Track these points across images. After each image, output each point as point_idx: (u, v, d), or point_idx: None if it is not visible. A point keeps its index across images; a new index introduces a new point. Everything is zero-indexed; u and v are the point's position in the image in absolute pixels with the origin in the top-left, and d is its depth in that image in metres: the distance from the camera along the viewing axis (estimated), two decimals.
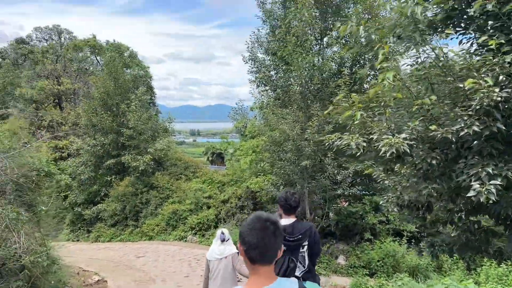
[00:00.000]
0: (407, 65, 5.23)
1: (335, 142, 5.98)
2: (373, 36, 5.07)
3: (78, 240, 18.48)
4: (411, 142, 4.62)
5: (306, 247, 3.58)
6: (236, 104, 17.17)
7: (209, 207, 15.44)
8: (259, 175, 14.82)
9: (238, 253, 4.99)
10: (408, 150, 4.51)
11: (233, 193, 15.64)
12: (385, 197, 6.90)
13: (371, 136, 4.93)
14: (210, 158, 49.66)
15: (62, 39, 27.16)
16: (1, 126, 22.07)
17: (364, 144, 4.92)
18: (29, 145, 7.38)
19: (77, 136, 19.84)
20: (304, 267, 3.60)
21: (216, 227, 14.74)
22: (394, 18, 4.87)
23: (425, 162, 4.77)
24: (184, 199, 16.13)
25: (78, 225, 19.23)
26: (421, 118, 4.82)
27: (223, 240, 5.02)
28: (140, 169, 17.15)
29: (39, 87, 21.28)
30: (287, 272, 3.45)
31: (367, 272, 11.41)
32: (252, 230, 1.82)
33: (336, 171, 12.28)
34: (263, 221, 1.84)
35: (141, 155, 17.64)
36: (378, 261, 11.48)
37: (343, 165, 12.85)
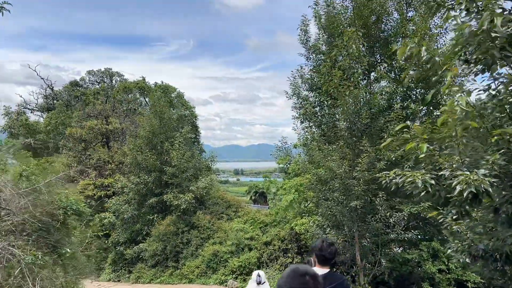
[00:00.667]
0: (479, 90, 4.50)
1: (394, 180, 5.25)
2: (436, 58, 4.43)
3: (119, 281, 18.21)
4: (492, 180, 3.83)
5: None
6: (279, 141, 16.71)
7: (250, 249, 14.68)
8: (304, 215, 13.98)
9: None
10: (489, 189, 3.72)
11: (276, 234, 14.84)
12: (453, 245, 5.94)
13: (440, 173, 4.18)
14: (253, 197, 49.06)
15: (113, 81, 28.56)
16: (45, 163, 22.97)
17: (432, 181, 4.17)
18: (55, 178, 7.11)
19: (122, 174, 20.10)
20: None
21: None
22: (462, 36, 4.23)
23: (510, 204, 3.93)
24: (225, 239, 15.51)
25: (120, 264, 19.03)
26: (502, 151, 4.03)
27: (259, 283, 4.90)
28: (181, 207, 16.86)
29: (88, 126, 22.11)
30: None
31: None
32: (290, 285, 1.77)
33: (388, 214, 11.24)
34: (300, 277, 1.79)
35: (183, 193, 17.42)
36: None
37: (397, 206, 11.80)
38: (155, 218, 18.01)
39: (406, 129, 4.57)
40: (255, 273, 5.01)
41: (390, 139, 4.62)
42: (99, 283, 18.71)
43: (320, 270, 3.46)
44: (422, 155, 4.18)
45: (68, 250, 6.31)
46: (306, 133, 13.82)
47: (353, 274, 11.75)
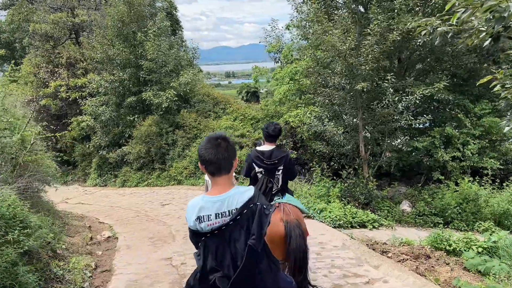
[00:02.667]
0: None
1: (440, 29, 3.49)
2: None
3: (105, 185, 17.30)
4: None
5: (281, 170, 4.08)
6: (269, 25, 14.38)
7: (242, 147, 13.36)
8: (300, 107, 12.35)
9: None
10: None
11: None
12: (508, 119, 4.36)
13: None
14: (244, 98, 47.41)
15: None
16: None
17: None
18: None
19: (95, 73, 17.93)
20: (278, 187, 4.12)
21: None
22: None
23: None
24: None
25: (105, 169, 17.96)
26: None
27: None
28: (163, 106, 15.13)
29: (52, 20, 19.18)
30: (266, 191, 3.91)
31: (440, 221, 9.10)
32: (207, 149, 2.12)
33: (397, 98, 9.60)
34: (214, 140, 2.15)
35: (164, 90, 15.54)
36: (455, 207, 9.09)
37: (407, 89, 10.14)
38: (135, 119, 16.38)
39: None
40: None
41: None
42: (85, 188, 17.85)
43: (267, 147, 4.10)
44: None
45: None
46: (302, 7, 11.48)
47: (356, 167, 10.56)
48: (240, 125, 14.24)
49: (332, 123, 11.06)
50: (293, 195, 4.39)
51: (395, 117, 9.99)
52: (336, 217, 8.10)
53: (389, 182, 12.37)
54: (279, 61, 14.52)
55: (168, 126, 15.60)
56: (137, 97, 16.07)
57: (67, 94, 18.73)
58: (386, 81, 9.48)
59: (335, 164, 13.90)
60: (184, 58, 18.06)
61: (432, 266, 5.47)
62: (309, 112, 11.34)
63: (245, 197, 2.11)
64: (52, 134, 17.05)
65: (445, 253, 6.31)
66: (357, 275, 5.22)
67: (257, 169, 4.05)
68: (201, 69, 25.31)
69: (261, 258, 2.16)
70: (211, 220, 2.10)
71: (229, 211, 2.10)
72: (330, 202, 9.54)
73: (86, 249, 7.06)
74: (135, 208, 11.38)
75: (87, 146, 18.17)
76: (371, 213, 8.78)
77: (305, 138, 12.40)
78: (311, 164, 13.34)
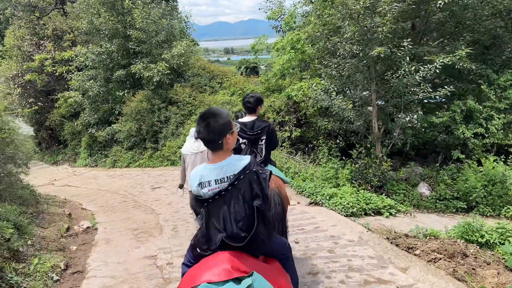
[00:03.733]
0: None
1: None
2: None
3: (96, 166, 16.28)
4: None
5: (264, 141, 4.15)
6: None
7: None
8: (304, 79, 11.16)
9: None
10: None
11: (270, 105, 12.25)
12: None
13: None
14: (244, 74, 45.92)
15: None
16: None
17: None
18: None
19: (82, 45, 16.60)
20: (261, 157, 4.16)
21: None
22: None
23: None
24: None
25: (95, 148, 16.91)
26: None
27: (196, 138, 5.16)
28: (154, 80, 13.91)
29: None
30: None
31: (464, 206, 8.09)
32: (200, 127, 2.29)
33: (413, 68, 8.42)
34: (204, 119, 2.27)
35: (155, 63, 14.29)
36: (480, 189, 8.07)
37: (425, 57, 8.93)
38: (125, 94, 15.18)
39: None
40: (192, 129, 5.22)
41: None
42: (75, 169, 16.84)
43: (249, 118, 4.18)
44: None
45: None
46: None
47: (368, 146, 9.48)
48: (238, 100, 13.06)
49: (341, 97, 9.92)
50: (275, 166, 4.54)
51: (412, 89, 8.85)
52: (348, 204, 7.09)
53: (401, 161, 11.34)
54: (280, 30, 13.20)
55: (160, 102, 14.42)
56: (127, 71, 14.83)
57: (54, 68, 17.43)
58: (402, 48, 8.28)
59: (341, 143, 12.86)
60: (176, 28, 16.70)
61: (473, 268, 4.46)
62: (314, 84, 10.16)
63: (242, 164, 2.31)
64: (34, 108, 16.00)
65: (478, 247, 5.32)
66: (381, 280, 4.22)
67: (240, 140, 4.10)
68: (196, 41, 23.85)
69: (259, 220, 2.33)
70: (211, 185, 2.31)
71: (227, 177, 2.30)
72: (339, 186, 8.54)
73: (59, 244, 6.06)
74: (123, 192, 10.37)
75: (75, 124, 17.03)
76: (386, 197, 7.77)
77: (309, 114, 11.27)
78: (315, 142, 12.29)
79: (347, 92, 10.66)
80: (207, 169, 2.33)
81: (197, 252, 2.39)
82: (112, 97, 16.02)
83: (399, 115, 9.39)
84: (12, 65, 18.32)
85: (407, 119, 9.38)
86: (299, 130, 11.71)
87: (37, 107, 17.27)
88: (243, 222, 2.27)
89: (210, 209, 2.33)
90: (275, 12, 12.57)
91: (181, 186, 5.80)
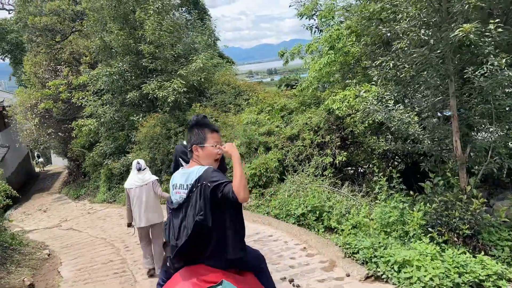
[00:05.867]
0: None
1: None
2: None
3: (114, 201, 14.35)
4: None
5: None
6: None
7: (268, 149, 9.68)
8: (348, 87, 8.43)
9: (157, 179, 5.42)
10: None
11: (306, 123, 9.62)
12: None
13: None
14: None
15: None
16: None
17: None
18: None
19: (92, 67, 15.02)
20: None
21: (281, 179, 9.01)
22: None
23: None
24: (231, 138, 10.54)
25: (113, 181, 15.05)
26: None
27: (139, 169, 5.24)
28: (169, 100, 11.79)
29: (48, 9, 16.55)
30: None
31: None
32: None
33: (504, 60, 5.47)
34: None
35: (171, 81, 12.21)
36: None
37: None
38: (140, 119, 13.20)
39: None
40: (134, 161, 5.22)
41: None
42: (92, 205, 15.02)
43: None
44: None
45: None
46: None
47: (448, 174, 6.51)
48: (266, 118, 10.55)
49: (401, 107, 7.11)
50: None
51: (507, 91, 5.90)
52: (432, 280, 4.26)
53: (488, 191, 8.17)
54: (316, 29, 10.65)
55: (177, 125, 12.23)
56: (140, 92, 12.87)
57: (70, 94, 15.98)
58: (487, 33, 5.40)
59: (400, 165, 9.93)
60: (199, 40, 14.67)
61: None
62: (363, 91, 7.41)
63: (195, 176, 2.33)
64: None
65: None
66: None
67: (184, 164, 3.70)
68: (231, 60, 21.79)
69: (230, 228, 2.35)
70: (177, 188, 2.43)
71: (186, 185, 2.37)
72: (408, 235, 5.77)
73: None
74: (119, 243, 8.07)
75: (90, 155, 15.31)
76: (486, 257, 4.86)
77: (358, 132, 8.48)
78: (367, 166, 9.44)
79: (409, 99, 7.79)
80: (180, 173, 2.45)
81: (166, 267, 2.42)
82: (128, 122, 14.13)
83: (490, 129, 6.41)
84: (31, 93, 17.17)
85: (500, 133, 6.37)
86: (345, 153, 8.93)
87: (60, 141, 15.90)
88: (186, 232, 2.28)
89: (171, 219, 2.41)
90: (308, 8, 10.06)
91: (129, 225, 5.57)
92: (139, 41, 12.76)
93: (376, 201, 7.74)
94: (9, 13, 23.74)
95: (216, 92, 13.52)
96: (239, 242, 2.38)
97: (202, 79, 12.86)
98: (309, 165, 9.01)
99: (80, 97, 15.31)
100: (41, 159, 28.69)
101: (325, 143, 9.29)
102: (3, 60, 24.23)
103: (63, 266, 6.99)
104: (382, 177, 6.97)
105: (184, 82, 12.03)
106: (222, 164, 3.99)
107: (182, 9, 18.33)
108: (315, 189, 7.84)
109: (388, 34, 6.05)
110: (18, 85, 22.09)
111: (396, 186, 7.27)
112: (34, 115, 16.86)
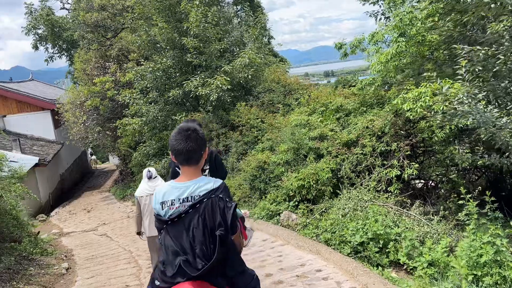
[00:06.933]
0: None
1: None
2: None
3: None
4: None
5: (207, 170, 3.96)
6: None
7: (319, 156, 8.20)
8: (424, 83, 6.72)
9: None
10: None
11: (367, 127, 8.03)
12: None
13: None
14: None
15: None
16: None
17: None
18: None
19: (139, 64, 14.38)
20: None
21: (334, 194, 7.50)
22: None
23: None
24: (277, 143, 9.20)
25: None
26: None
27: (150, 178, 5.16)
28: (211, 99, 10.72)
29: (98, 4, 16.29)
30: None
31: None
32: (177, 140, 2.23)
33: None
34: (184, 131, 2.25)
35: (214, 77, 11.14)
36: None
37: None
38: (182, 118, 12.26)
39: None
40: (145, 170, 5.18)
41: None
42: (133, 208, 14.37)
43: None
44: None
45: None
46: None
47: None
48: (319, 121, 9.06)
49: (496, 109, 5.38)
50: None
51: None
52: None
53: None
54: (381, 16, 8.99)
55: (220, 126, 11.13)
56: (183, 90, 11.94)
57: (116, 92, 15.53)
58: None
59: (479, 180, 8.09)
60: (249, 35, 13.49)
61: None
62: (446, 88, 5.72)
63: (209, 186, 2.23)
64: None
65: None
66: None
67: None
68: (278, 54, 20.51)
69: (232, 246, 2.28)
70: (173, 204, 2.23)
71: (191, 197, 2.21)
72: (509, 286, 4.14)
73: None
74: (143, 261, 7.04)
75: (134, 155, 14.71)
76: None
77: (434, 140, 6.75)
78: (444, 183, 7.65)
79: (503, 98, 5.97)
80: (172, 187, 2.27)
81: (156, 285, 2.25)
82: (172, 122, 13.29)
83: None
84: (80, 91, 17.03)
85: None
86: (416, 165, 7.22)
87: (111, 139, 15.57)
88: (200, 248, 2.16)
89: (169, 231, 2.24)
90: None
91: (138, 233, 5.47)
92: (184, 35, 11.84)
93: (459, 228, 6.05)
94: (68, 12, 24.31)
95: (264, 91, 12.24)
96: (239, 259, 2.41)
97: (249, 76, 11.65)
98: (370, 178, 7.42)
99: (126, 95, 14.76)
100: (93, 157, 29.24)
101: (391, 152, 7.65)
102: (60, 58, 24.86)
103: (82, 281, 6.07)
104: (470, 199, 5.25)
105: (228, 79, 10.89)
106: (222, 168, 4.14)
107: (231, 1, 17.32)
108: (377, 209, 6.26)
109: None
110: (72, 82, 22.42)
111: (488, 213, 5.53)
112: (82, 113, 16.70)
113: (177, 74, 12.59)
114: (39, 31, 23.55)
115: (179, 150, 2.22)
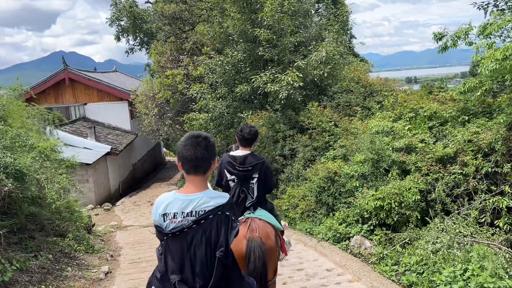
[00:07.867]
0: None
1: None
2: None
3: None
4: None
5: (256, 179, 3.62)
6: None
7: (405, 172, 6.73)
8: None
9: None
10: None
11: (469, 140, 6.39)
12: None
13: None
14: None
15: None
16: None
17: None
18: None
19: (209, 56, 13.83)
20: (253, 198, 3.62)
21: (423, 221, 6.01)
22: None
23: None
24: (352, 151, 7.86)
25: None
26: None
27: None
28: (280, 97, 9.67)
29: None
30: (238, 201, 3.51)
31: None
32: (186, 146, 2.09)
33: None
34: (195, 138, 2.12)
35: (286, 73, 10.09)
36: None
37: None
38: (249, 116, 11.40)
39: None
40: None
41: None
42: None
43: (241, 152, 3.67)
44: None
45: None
46: None
47: None
48: (407, 129, 7.54)
49: None
50: (272, 209, 3.83)
51: None
52: None
53: None
54: (493, 7, 7.20)
55: (287, 127, 10.04)
56: (251, 85, 11.07)
57: (187, 85, 15.22)
58: None
59: None
60: (328, 29, 12.22)
61: None
62: None
63: (215, 202, 2.09)
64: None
65: None
66: None
67: (229, 176, 3.60)
68: (359, 54, 18.88)
69: (233, 267, 2.18)
70: (176, 218, 2.09)
71: (195, 211, 2.07)
72: None
73: None
74: None
75: None
76: None
77: None
78: None
79: None
80: (176, 198, 2.12)
81: None
82: (238, 119, 12.52)
83: None
84: (154, 82, 17.06)
85: None
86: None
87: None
88: (200, 268, 2.07)
89: (169, 245, 2.11)
90: None
91: None
92: (257, 26, 10.94)
93: None
94: (151, 5, 24.90)
95: (340, 91, 10.88)
96: (241, 280, 2.29)
97: (325, 74, 10.40)
98: (470, 206, 5.82)
99: (195, 89, 14.34)
100: (164, 149, 29.83)
101: (501, 174, 5.96)
102: (140, 50, 25.62)
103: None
104: None
105: (301, 76, 9.76)
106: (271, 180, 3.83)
107: None
108: (484, 250, 4.72)
109: None
110: (149, 75, 22.88)
111: None
112: (154, 105, 16.69)
113: (247, 68, 11.75)
114: (122, 23, 24.44)
115: (187, 157, 2.09)
